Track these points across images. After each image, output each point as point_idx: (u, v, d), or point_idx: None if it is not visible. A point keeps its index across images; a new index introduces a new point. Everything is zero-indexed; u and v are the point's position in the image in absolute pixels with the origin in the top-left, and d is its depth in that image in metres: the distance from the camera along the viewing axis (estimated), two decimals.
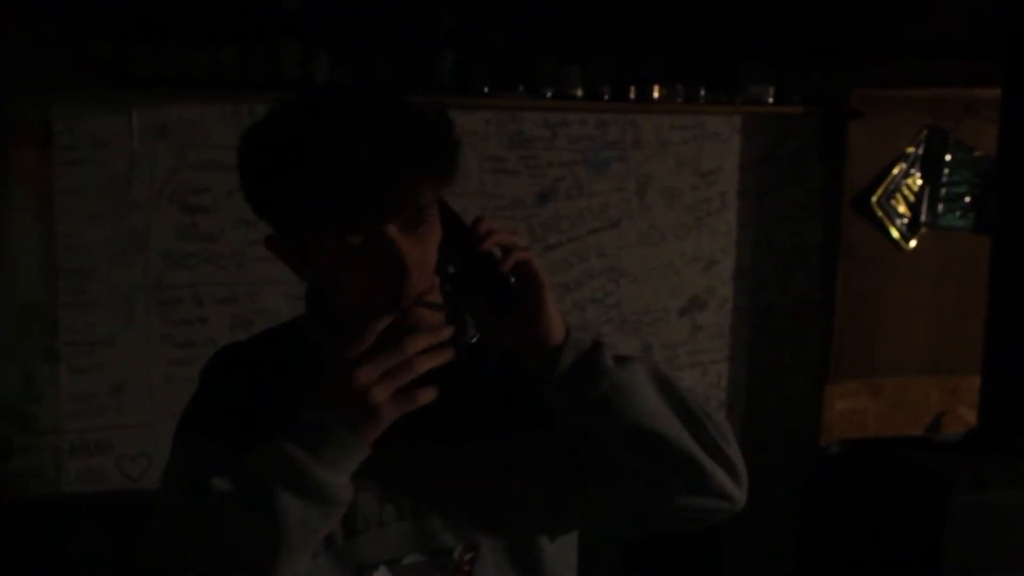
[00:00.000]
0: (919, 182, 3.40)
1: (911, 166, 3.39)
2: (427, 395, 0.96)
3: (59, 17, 2.69)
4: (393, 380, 0.94)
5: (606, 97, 2.98)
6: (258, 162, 1.02)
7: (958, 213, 3.46)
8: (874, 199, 3.35)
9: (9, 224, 2.78)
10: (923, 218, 3.42)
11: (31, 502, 2.88)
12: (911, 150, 3.38)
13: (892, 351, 3.47)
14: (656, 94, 3.01)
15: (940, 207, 3.44)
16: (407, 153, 0.97)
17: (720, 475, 1.06)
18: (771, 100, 3.09)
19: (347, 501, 0.96)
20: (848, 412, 3.46)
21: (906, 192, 3.40)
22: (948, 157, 3.41)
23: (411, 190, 0.98)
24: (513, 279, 1.00)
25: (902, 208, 3.40)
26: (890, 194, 3.38)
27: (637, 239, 3.24)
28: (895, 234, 3.40)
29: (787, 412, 3.46)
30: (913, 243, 3.43)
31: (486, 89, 2.87)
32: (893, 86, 3.28)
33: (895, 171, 3.37)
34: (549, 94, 2.93)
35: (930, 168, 3.40)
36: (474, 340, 1.11)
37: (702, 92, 3.05)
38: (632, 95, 3.00)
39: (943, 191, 3.43)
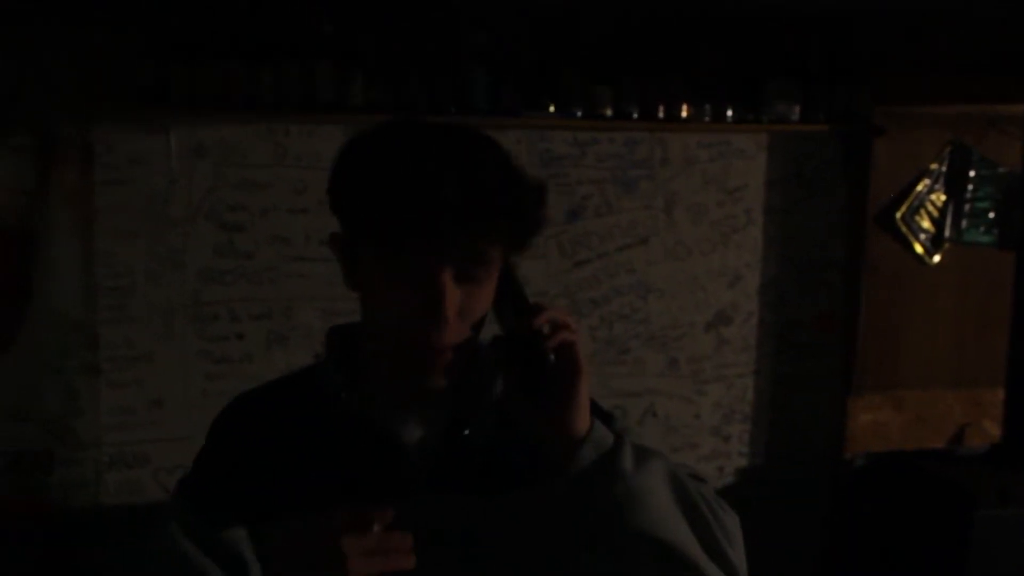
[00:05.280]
0: (943, 198, 3.43)
1: (935, 182, 3.42)
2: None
3: (100, 39, 2.75)
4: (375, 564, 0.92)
5: (635, 116, 3.03)
6: (359, 163, 1.03)
7: (982, 228, 3.48)
8: (898, 215, 3.38)
9: (51, 242, 2.84)
10: (947, 233, 3.44)
11: (71, 513, 2.94)
12: (935, 166, 3.41)
13: (916, 364, 3.50)
14: (684, 113, 3.06)
15: (964, 223, 3.46)
16: (489, 209, 0.97)
17: None
18: (796, 118, 3.13)
19: None
20: (872, 425, 3.49)
21: (930, 208, 3.42)
22: (972, 173, 3.43)
23: (485, 245, 0.99)
24: (553, 357, 0.99)
25: (926, 224, 3.43)
26: (914, 210, 3.40)
27: (664, 255, 3.28)
28: (919, 249, 3.43)
29: (811, 425, 3.49)
30: (937, 258, 3.45)
31: (516, 108, 2.93)
32: (917, 103, 3.31)
33: (919, 187, 3.40)
34: (579, 113, 2.98)
35: (954, 184, 3.43)
36: (499, 392, 1.09)
37: (728, 111, 3.09)
38: (660, 114, 3.05)
39: (967, 207, 3.45)
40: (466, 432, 1.09)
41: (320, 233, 2.88)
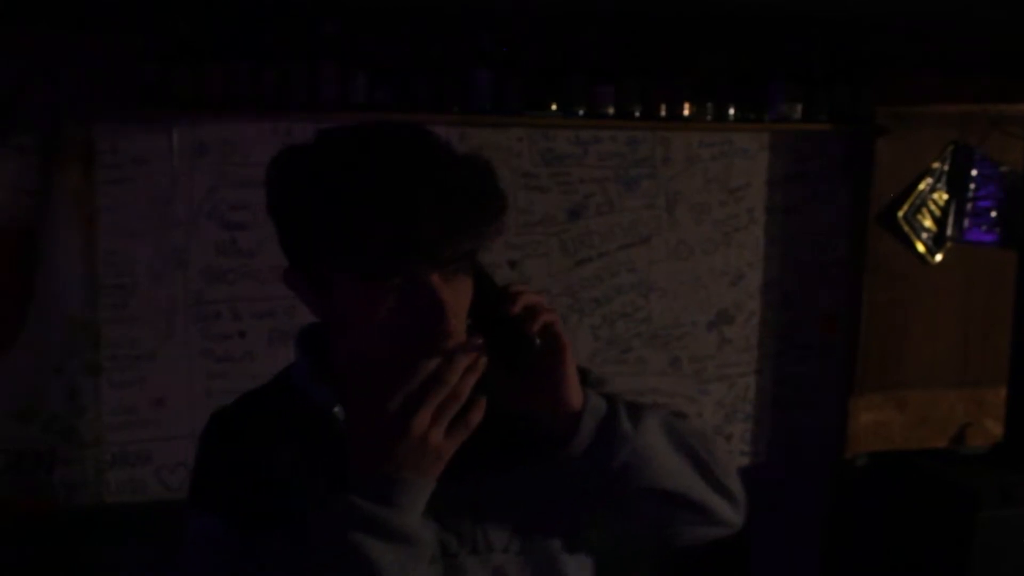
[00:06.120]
0: (945, 197, 3.43)
1: (937, 181, 3.42)
2: (478, 414, 0.94)
3: (103, 39, 2.76)
4: (445, 415, 0.93)
5: (637, 115, 3.03)
6: (299, 192, 0.99)
7: (984, 228, 3.48)
8: (900, 214, 3.38)
9: (54, 240, 2.84)
10: (949, 233, 3.44)
11: (73, 512, 2.94)
12: (937, 165, 3.41)
13: (917, 364, 3.50)
14: (686, 112, 3.06)
15: (966, 222, 3.46)
16: (468, 204, 0.96)
17: (725, 508, 1.11)
18: (799, 117, 3.13)
19: (430, 538, 1.00)
20: (873, 424, 3.49)
21: (932, 207, 3.42)
22: (974, 172, 3.43)
23: (465, 242, 0.97)
24: (539, 341, 1.00)
25: (928, 223, 3.43)
26: (916, 209, 3.40)
27: (666, 254, 3.28)
28: (921, 249, 3.43)
29: (813, 424, 3.49)
30: (939, 257, 3.45)
31: (519, 107, 2.93)
32: (919, 102, 3.31)
33: (921, 186, 3.40)
34: (581, 112, 2.98)
35: (956, 183, 3.42)
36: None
37: (731, 110, 3.09)
38: (662, 113, 3.05)
39: (969, 206, 3.45)
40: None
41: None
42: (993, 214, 3.47)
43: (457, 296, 0.99)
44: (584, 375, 1.12)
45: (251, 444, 1.09)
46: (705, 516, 1.10)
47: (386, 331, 0.99)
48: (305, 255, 1.02)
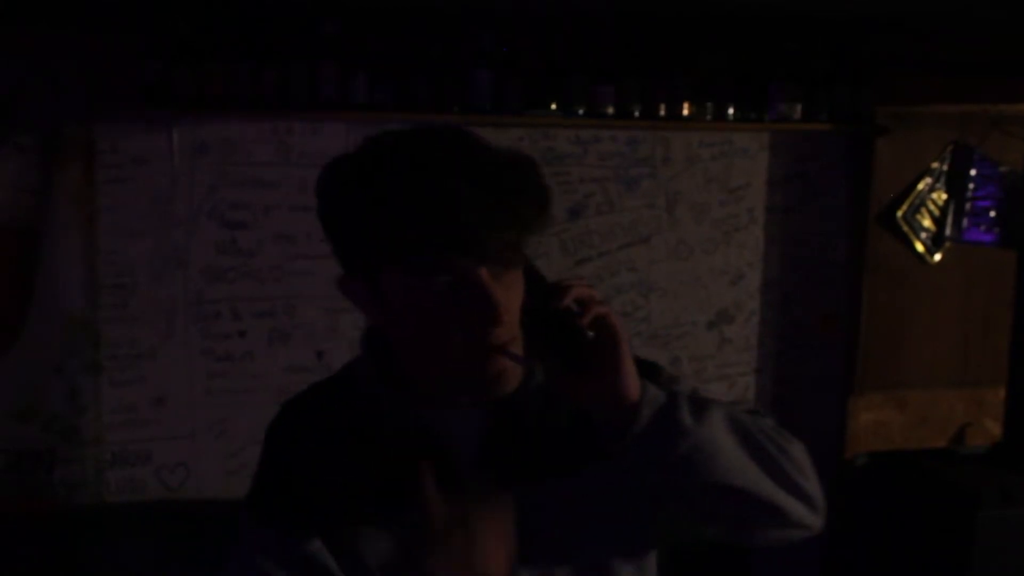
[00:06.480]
0: (944, 197, 3.43)
1: (936, 181, 3.42)
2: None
3: (104, 38, 2.76)
4: None
5: (637, 115, 3.03)
6: (350, 196, 1.01)
7: (983, 227, 3.48)
8: (900, 214, 3.39)
9: (54, 240, 2.84)
10: (948, 232, 3.44)
11: (73, 512, 2.94)
12: (936, 165, 3.41)
13: (917, 364, 3.50)
14: (686, 112, 3.06)
15: (965, 221, 3.46)
16: (509, 196, 0.96)
17: (799, 509, 1.07)
18: (798, 117, 3.13)
19: None
20: (873, 424, 3.49)
21: (931, 207, 3.43)
22: (973, 172, 3.43)
23: (509, 234, 0.97)
24: (591, 333, 0.98)
25: (927, 223, 3.43)
26: (915, 209, 3.41)
27: (666, 254, 3.28)
28: (920, 248, 3.43)
29: (813, 424, 3.48)
30: (938, 257, 3.45)
31: (519, 107, 2.93)
32: (919, 102, 3.31)
33: (920, 186, 3.40)
34: (581, 112, 2.98)
35: (955, 183, 3.43)
36: (540, 381, 1.09)
37: (731, 110, 3.09)
38: (662, 113, 3.05)
39: (968, 206, 3.45)
40: (514, 421, 1.08)
41: (322, 232, 2.86)
42: (992, 214, 3.47)
43: (508, 292, 0.99)
44: (656, 372, 1.12)
45: (311, 437, 1.10)
46: (777, 516, 1.06)
47: (440, 329, 0.99)
48: (359, 260, 1.03)
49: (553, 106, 2.96)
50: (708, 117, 3.07)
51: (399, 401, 1.08)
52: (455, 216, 0.94)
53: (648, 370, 1.07)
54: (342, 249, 1.05)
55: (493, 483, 1.06)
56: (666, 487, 1.04)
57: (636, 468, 1.02)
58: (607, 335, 0.99)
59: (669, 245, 3.28)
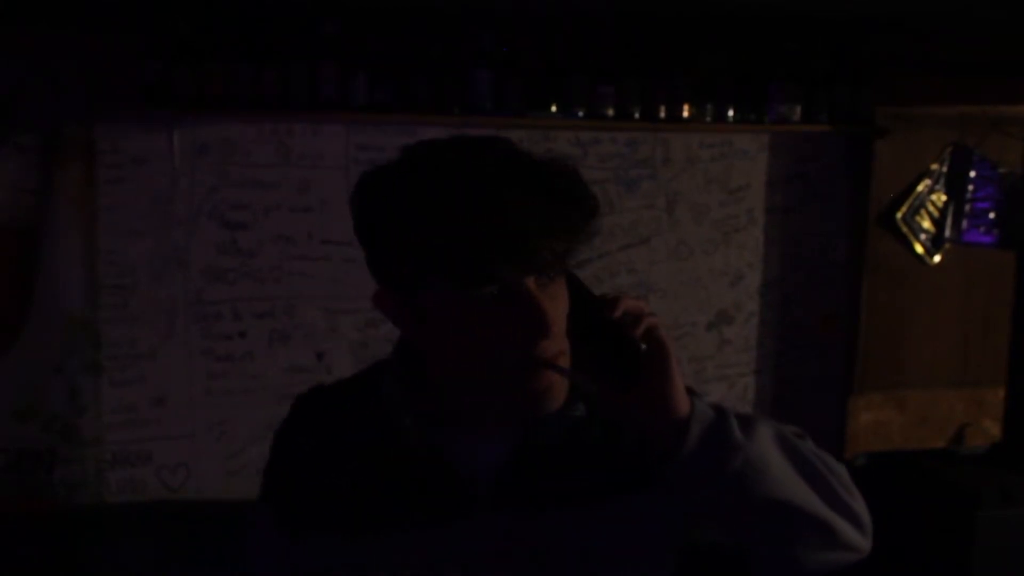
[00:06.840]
0: (944, 198, 3.43)
1: (936, 182, 3.42)
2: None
3: (104, 39, 2.76)
4: None
5: (636, 116, 3.03)
6: (394, 206, 0.96)
7: (982, 229, 3.48)
8: (899, 215, 3.39)
9: (54, 240, 2.84)
10: (947, 233, 3.45)
11: (73, 512, 2.94)
12: (936, 167, 3.41)
13: (917, 364, 3.50)
14: (685, 113, 3.06)
15: (964, 223, 3.47)
16: (561, 203, 0.92)
17: (848, 530, 1.03)
18: (798, 118, 3.13)
19: None
20: (873, 424, 3.49)
21: (931, 208, 3.43)
22: (973, 173, 3.43)
23: (559, 243, 0.93)
24: (644, 345, 0.95)
25: (927, 224, 3.43)
26: (915, 210, 3.41)
27: (666, 255, 3.29)
28: (919, 249, 3.44)
29: (812, 424, 3.44)
30: (937, 258, 3.46)
31: (519, 107, 2.93)
32: (918, 104, 3.31)
33: (920, 187, 3.40)
34: (581, 113, 2.98)
35: (955, 184, 3.43)
36: (579, 415, 1.06)
37: (730, 111, 3.10)
38: (662, 114, 3.05)
39: (967, 207, 3.46)
40: (543, 443, 1.05)
41: (322, 232, 2.90)
42: (991, 215, 3.47)
43: (555, 303, 0.96)
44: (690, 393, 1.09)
45: (322, 439, 1.09)
46: (827, 535, 1.02)
47: (484, 343, 0.95)
48: (398, 274, 0.98)
49: (553, 107, 2.96)
50: (708, 118, 3.08)
51: (418, 417, 1.05)
52: (506, 224, 0.90)
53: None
54: (381, 261, 1.00)
55: (511, 509, 1.03)
56: (715, 505, 1.00)
57: (685, 486, 0.98)
58: (657, 347, 0.96)
59: (669, 246, 3.28)
